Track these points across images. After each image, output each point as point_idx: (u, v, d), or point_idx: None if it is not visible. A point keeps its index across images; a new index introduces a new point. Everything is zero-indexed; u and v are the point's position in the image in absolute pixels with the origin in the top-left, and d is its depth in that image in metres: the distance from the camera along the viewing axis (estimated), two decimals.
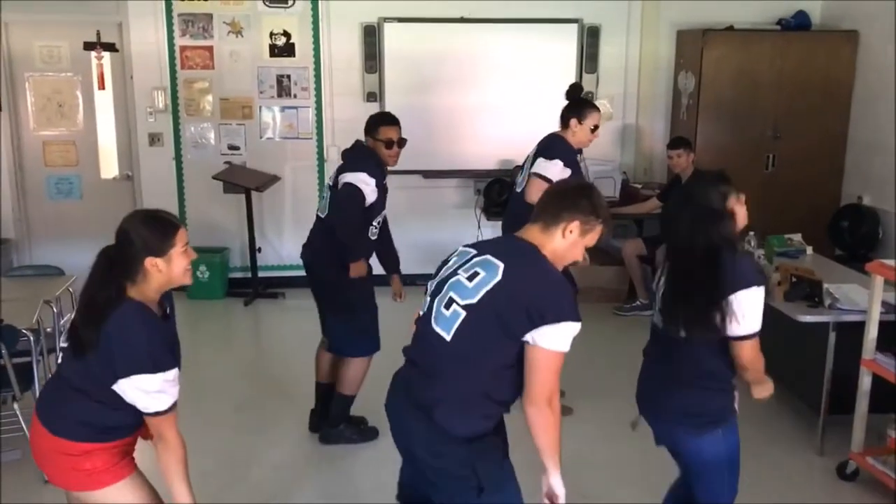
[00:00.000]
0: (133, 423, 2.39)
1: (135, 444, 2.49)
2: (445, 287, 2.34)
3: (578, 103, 4.30)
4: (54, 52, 6.42)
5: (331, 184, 3.98)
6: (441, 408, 2.26)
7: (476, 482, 2.26)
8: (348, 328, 3.99)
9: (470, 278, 2.28)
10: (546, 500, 2.35)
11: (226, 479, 3.76)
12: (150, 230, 2.32)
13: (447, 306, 2.30)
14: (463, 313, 2.26)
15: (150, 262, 2.30)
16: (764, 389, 2.68)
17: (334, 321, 4.03)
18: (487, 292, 2.23)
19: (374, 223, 3.99)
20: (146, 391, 2.28)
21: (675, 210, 2.71)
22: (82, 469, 2.36)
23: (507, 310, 2.22)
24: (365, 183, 3.81)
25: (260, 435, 4.25)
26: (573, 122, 4.21)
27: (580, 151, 4.35)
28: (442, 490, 2.36)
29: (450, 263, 2.41)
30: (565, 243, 2.33)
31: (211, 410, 4.49)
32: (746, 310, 2.47)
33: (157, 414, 2.32)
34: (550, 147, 4.20)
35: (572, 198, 2.36)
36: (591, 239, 2.37)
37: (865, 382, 3.71)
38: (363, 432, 4.14)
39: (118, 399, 2.31)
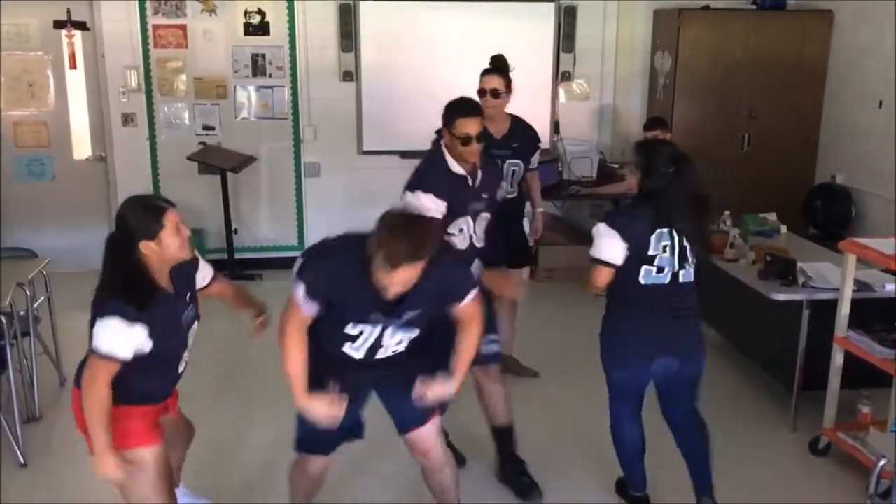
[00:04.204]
0: (161, 392, 2.63)
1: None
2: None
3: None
4: (22, 31, 6.28)
5: None
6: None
7: None
8: None
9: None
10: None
11: (212, 464, 3.75)
12: (140, 215, 2.48)
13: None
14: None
15: (144, 245, 2.46)
16: None
17: None
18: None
19: (456, 230, 3.30)
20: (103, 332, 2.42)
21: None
22: (116, 429, 2.48)
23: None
24: (427, 210, 3.12)
25: (243, 420, 4.24)
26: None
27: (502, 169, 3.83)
28: None
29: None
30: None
31: (189, 395, 4.46)
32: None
33: (92, 351, 2.44)
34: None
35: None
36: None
37: (838, 359, 3.77)
38: None
39: (140, 363, 2.44)
